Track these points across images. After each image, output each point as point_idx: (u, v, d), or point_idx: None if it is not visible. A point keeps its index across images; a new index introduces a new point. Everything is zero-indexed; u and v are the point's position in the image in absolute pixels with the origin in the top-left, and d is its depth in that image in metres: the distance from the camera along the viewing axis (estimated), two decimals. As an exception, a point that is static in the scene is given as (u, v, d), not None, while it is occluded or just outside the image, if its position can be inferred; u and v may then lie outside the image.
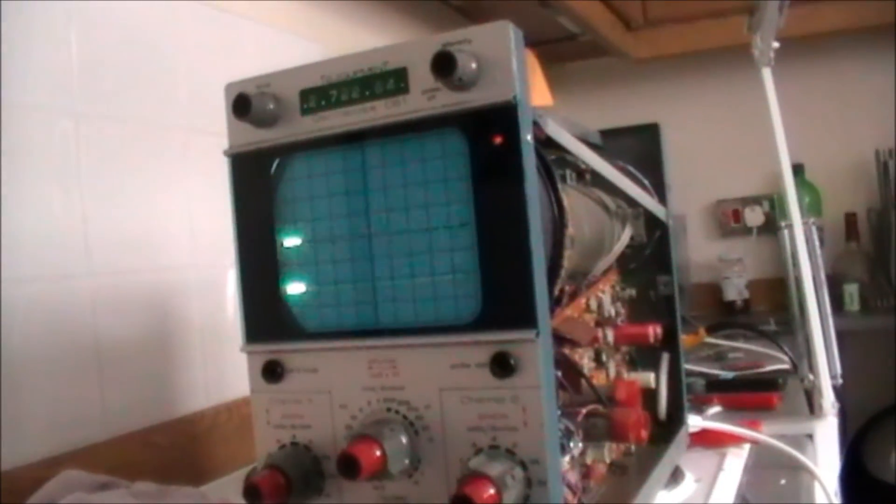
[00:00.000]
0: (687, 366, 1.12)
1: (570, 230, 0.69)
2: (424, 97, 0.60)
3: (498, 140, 0.57)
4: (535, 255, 0.56)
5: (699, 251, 2.99)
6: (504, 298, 0.57)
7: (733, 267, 2.89)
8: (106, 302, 1.21)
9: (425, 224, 0.60)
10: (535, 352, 0.56)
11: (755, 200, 2.95)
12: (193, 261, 1.38)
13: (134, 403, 1.25)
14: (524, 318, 0.56)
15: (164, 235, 1.34)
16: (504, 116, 0.57)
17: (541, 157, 0.67)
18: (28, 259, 1.11)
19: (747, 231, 2.97)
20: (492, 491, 0.53)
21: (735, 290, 2.88)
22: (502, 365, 0.57)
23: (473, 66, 0.57)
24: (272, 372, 0.65)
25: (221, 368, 1.40)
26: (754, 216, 2.94)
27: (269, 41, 1.58)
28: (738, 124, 2.73)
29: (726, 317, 2.78)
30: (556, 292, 0.74)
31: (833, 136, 2.85)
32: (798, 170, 2.61)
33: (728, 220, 2.99)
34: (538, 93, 1.67)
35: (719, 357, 1.96)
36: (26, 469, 1.07)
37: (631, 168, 1.06)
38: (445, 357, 0.59)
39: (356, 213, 0.62)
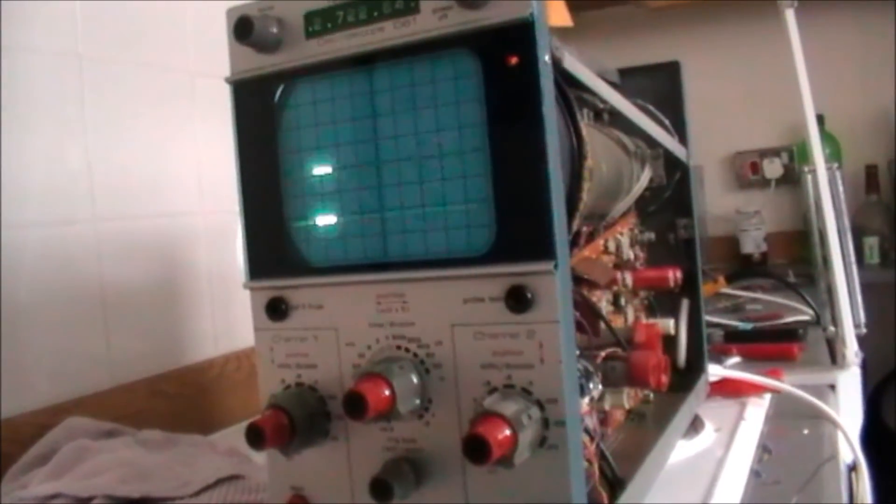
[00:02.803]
0: (705, 317, 1.09)
1: (590, 161, 0.66)
2: (435, 16, 0.56)
3: (513, 61, 0.54)
4: (553, 182, 0.53)
5: (716, 204, 2.95)
6: (520, 228, 0.53)
7: (751, 219, 2.84)
8: (111, 248, 1.19)
9: (436, 150, 0.56)
10: (552, 284, 0.53)
11: (774, 152, 2.90)
12: (201, 207, 1.36)
13: (140, 351, 1.23)
14: (541, 248, 0.53)
15: (171, 181, 1.32)
16: (520, 35, 0.53)
17: (558, 85, 0.63)
18: (32, 204, 1.09)
19: (765, 183, 2.92)
20: (507, 432, 0.50)
21: (753, 243, 2.84)
22: (518, 298, 0.53)
23: (488, -20, 0.53)
24: (276, 309, 0.62)
25: (230, 317, 1.38)
26: (773, 168, 2.90)
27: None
28: (757, 75, 2.68)
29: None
30: (573, 231, 0.70)
31: (854, 87, 2.79)
32: (818, 120, 2.55)
33: (746, 171, 2.95)
34: (556, 12, 1.61)
35: (737, 308, 1.93)
36: (30, 416, 1.05)
37: (651, 107, 1.02)
38: (458, 291, 0.56)
39: (364, 141, 0.59)
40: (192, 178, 1.35)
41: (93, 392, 1.14)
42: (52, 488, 0.84)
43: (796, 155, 2.83)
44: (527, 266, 0.53)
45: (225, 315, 1.38)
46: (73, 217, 1.15)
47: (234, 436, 1.16)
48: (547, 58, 0.54)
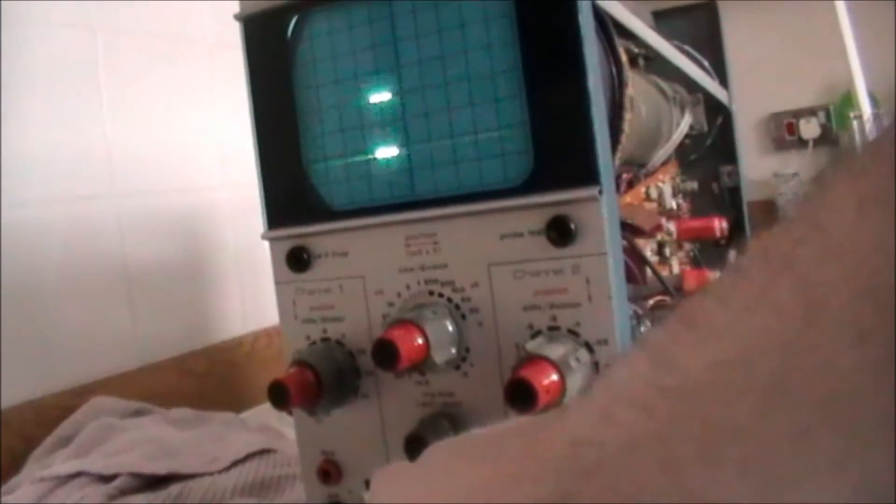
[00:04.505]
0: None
1: (630, 90, 0.61)
2: (457, -73, 0.51)
3: (544, -31, 0.49)
4: (594, 99, 0.48)
5: (752, 167, 2.85)
6: (559, 153, 0.48)
7: (789, 182, 2.77)
8: (133, 224, 1.15)
9: (464, 73, 0.51)
10: (598, 212, 0.48)
11: (810, 112, 2.82)
12: (224, 181, 1.32)
13: (167, 329, 1.19)
14: (584, 173, 0.48)
15: (192, 155, 1.28)
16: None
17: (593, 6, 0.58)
18: (50, 180, 1.05)
19: (802, 144, 2.85)
20: (554, 377, 0.45)
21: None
22: (561, 230, 0.48)
23: None
24: (297, 259, 0.57)
25: (259, 293, 1.34)
26: (810, 128, 2.81)
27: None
28: (790, 33, 2.61)
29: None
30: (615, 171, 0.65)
31: (888, 45, 2.71)
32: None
33: (782, 133, 2.87)
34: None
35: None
36: (55, 397, 1.02)
37: (689, 48, 0.96)
38: (493, 226, 0.51)
39: (385, 69, 0.54)
40: (214, 152, 1.31)
41: (120, 372, 1.10)
42: (73, 467, 0.81)
43: (833, 114, 2.75)
44: (569, 193, 0.48)
45: (253, 291, 1.34)
46: (94, 192, 1.11)
47: (264, 414, 1.12)
48: (581, -38, 0.49)
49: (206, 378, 1.22)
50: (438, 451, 0.37)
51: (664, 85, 0.90)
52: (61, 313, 1.05)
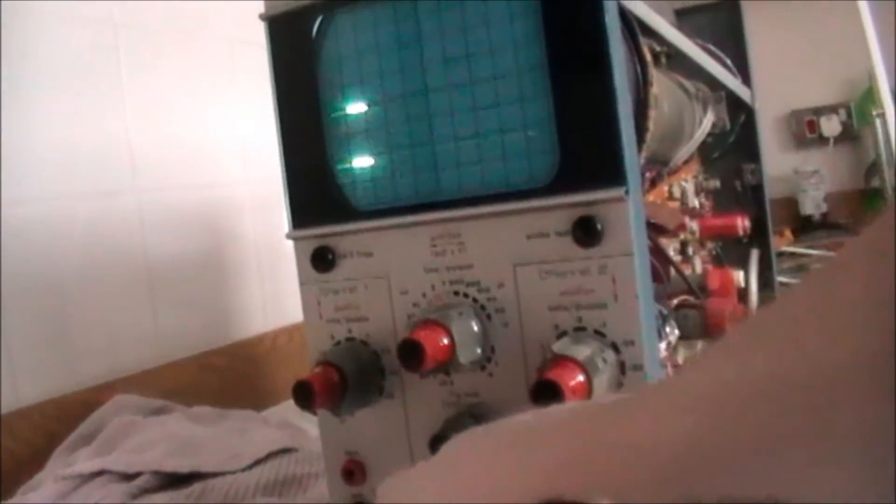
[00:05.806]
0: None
1: (655, 88, 0.60)
2: (481, -75, 0.51)
3: (571, -33, 0.48)
4: (621, 98, 0.47)
5: (773, 164, 2.83)
6: (586, 153, 0.48)
7: (810, 179, 2.75)
8: (154, 219, 1.16)
9: (489, 72, 0.51)
10: (624, 213, 0.47)
11: (831, 109, 2.81)
12: (245, 177, 1.32)
13: (188, 326, 1.19)
14: (611, 173, 0.47)
15: (213, 150, 1.28)
16: (577, -60, 0.48)
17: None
18: (72, 175, 1.05)
19: (823, 142, 2.83)
20: (580, 377, 0.45)
21: (813, 204, 2.74)
22: (587, 230, 0.48)
23: None
24: (322, 259, 0.57)
25: (280, 289, 1.34)
26: (831, 126, 2.80)
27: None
28: (813, 31, 2.59)
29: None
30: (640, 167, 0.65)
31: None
32: (869, 78, 2.46)
33: (803, 130, 2.85)
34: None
35: (801, 268, 1.86)
36: (77, 393, 1.02)
37: (711, 46, 0.96)
38: (519, 226, 0.50)
39: (410, 68, 0.54)
40: (234, 147, 1.31)
41: (141, 368, 1.11)
42: (96, 465, 0.81)
43: (854, 111, 2.73)
44: (595, 194, 0.48)
45: (274, 287, 1.34)
46: (115, 188, 1.11)
47: (286, 411, 1.13)
48: (608, -35, 0.49)
49: (226, 375, 1.22)
50: (461, 445, 0.37)
51: (686, 83, 0.89)
52: (83, 309, 1.05)
